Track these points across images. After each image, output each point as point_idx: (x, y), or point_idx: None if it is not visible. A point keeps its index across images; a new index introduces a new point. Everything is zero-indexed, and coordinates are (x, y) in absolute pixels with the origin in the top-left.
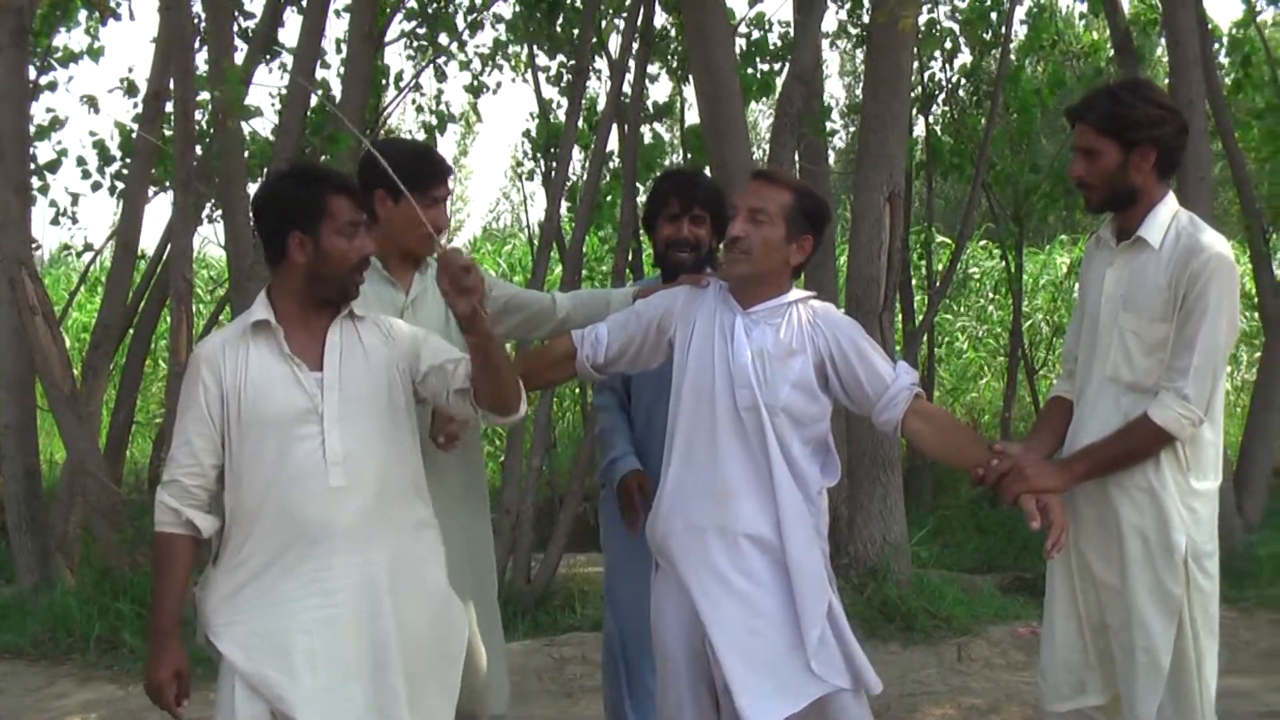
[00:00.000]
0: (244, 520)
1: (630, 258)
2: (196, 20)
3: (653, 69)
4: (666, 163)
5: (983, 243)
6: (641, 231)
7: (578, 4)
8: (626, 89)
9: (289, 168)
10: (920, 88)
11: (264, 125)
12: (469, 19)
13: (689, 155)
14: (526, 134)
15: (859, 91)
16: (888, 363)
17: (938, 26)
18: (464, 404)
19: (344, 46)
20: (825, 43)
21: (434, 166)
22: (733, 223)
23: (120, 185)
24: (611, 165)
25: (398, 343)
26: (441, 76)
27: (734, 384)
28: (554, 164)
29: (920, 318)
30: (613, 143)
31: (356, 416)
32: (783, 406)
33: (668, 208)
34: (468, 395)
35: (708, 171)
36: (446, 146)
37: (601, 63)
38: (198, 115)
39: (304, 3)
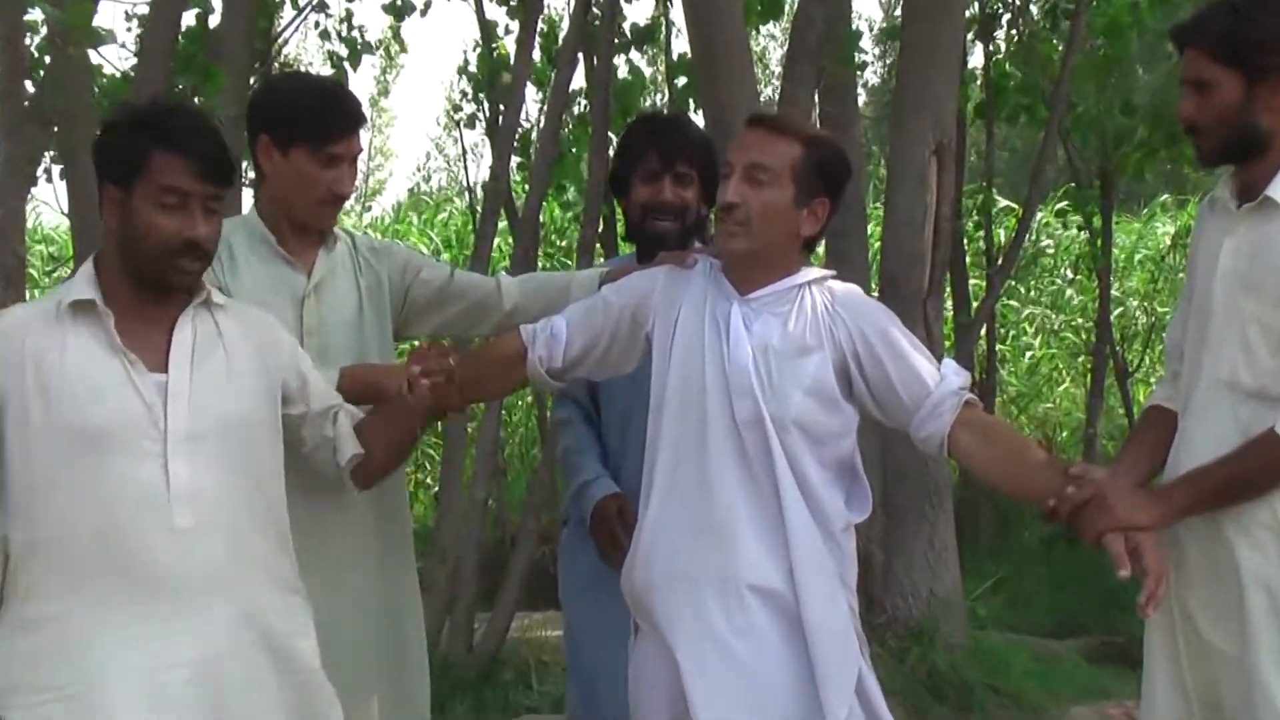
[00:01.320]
0: (40, 559)
1: (600, 229)
2: None
3: None
4: (647, 105)
5: (1059, 207)
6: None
7: None
8: (596, 8)
9: (140, 104)
10: (979, 5)
11: (118, 55)
12: None
13: (675, 97)
14: (465, 68)
15: (898, 11)
16: (931, 362)
17: None
18: (330, 468)
19: None
20: None
21: (340, 111)
22: (725, 184)
23: None
24: (577, 109)
25: (276, 349)
26: None
27: (731, 391)
28: (501, 107)
29: (977, 305)
30: (578, 79)
31: (211, 437)
32: (794, 419)
33: (644, 163)
34: (347, 468)
35: (699, 117)
36: (360, 84)
37: None
38: (28, 40)
39: None
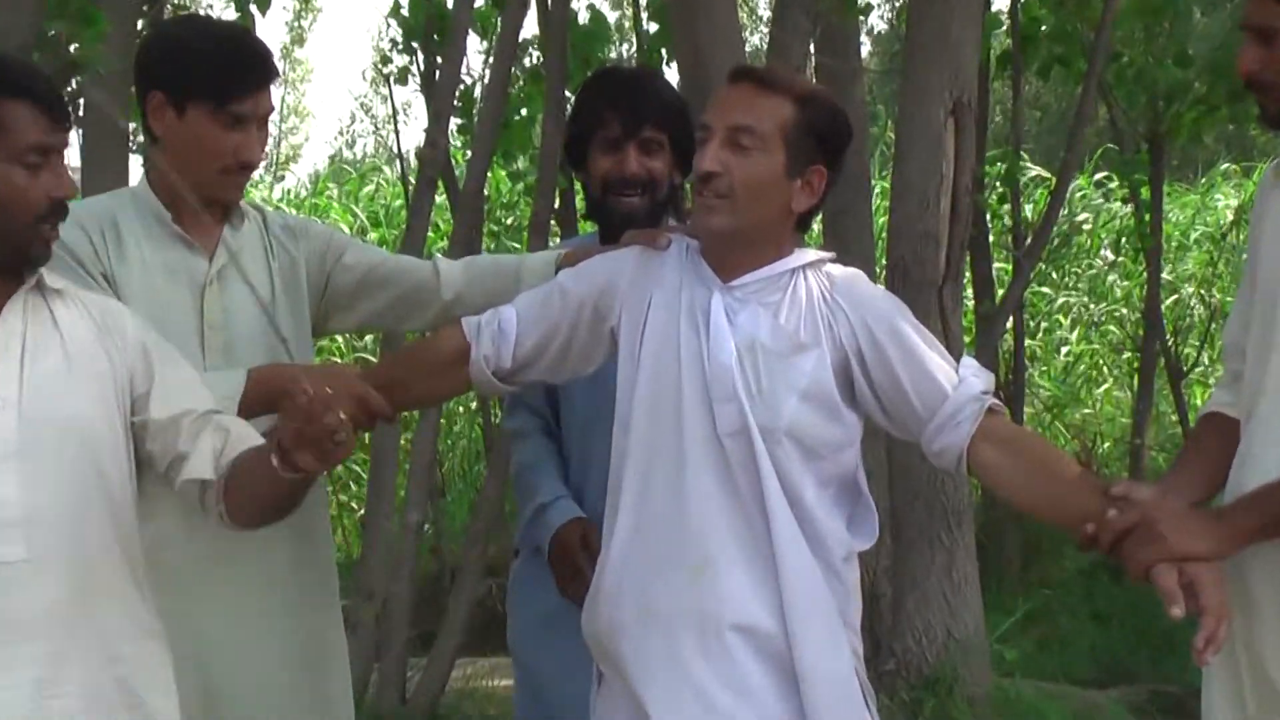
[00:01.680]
0: None
1: (557, 204)
2: None
3: None
4: (612, 57)
5: (1100, 176)
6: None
7: None
8: None
9: None
10: None
11: None
12: None
13: (646, 46)
14: (395, 12)
15: None
16: (948, 361)
17: None
18: (191, 493)
19: None
20: None
21: (246, 62)
22: (703, 150)
23: None
24: (528, 61)
25: (122, 341)
26: None
27: (711, 397)
28: (438, 60)
29: (1002, 292)
30: (530, 26)
31: (46, 453)
32: (787, 429)
33: (604, 128)
34: (210, 488)
35: (672, 72)
36: (270, 31)
37: None
38: None
39: None
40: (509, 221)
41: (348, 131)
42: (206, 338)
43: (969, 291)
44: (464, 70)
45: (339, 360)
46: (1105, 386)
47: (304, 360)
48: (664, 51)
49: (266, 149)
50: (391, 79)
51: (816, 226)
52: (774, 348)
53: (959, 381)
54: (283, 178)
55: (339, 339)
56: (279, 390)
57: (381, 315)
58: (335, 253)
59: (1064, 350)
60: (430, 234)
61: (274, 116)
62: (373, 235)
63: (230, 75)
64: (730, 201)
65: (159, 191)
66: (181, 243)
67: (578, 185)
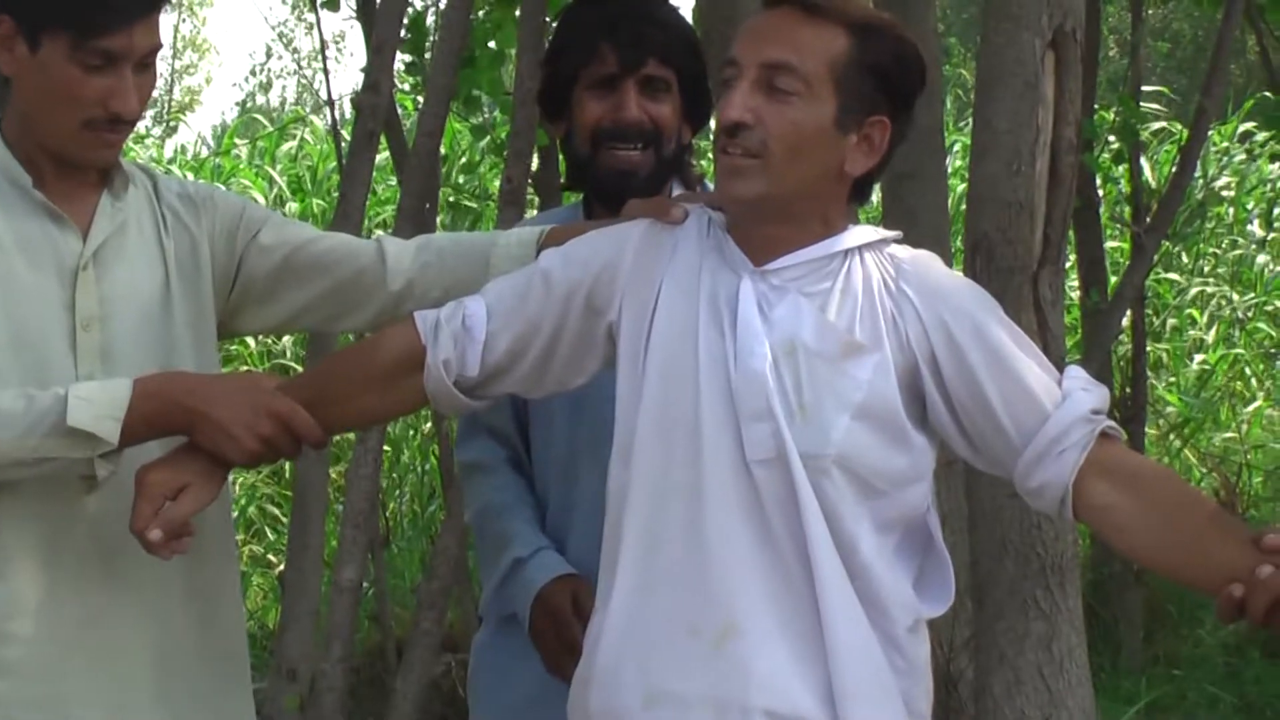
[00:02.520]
0: None
1: (536, 166)
2: None
3: None
4: None
5: (1245, 128)
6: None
7: None
8: None
9: None
10: None
11: None
12: None
13: None
14: None
15: None
16: (1048, 372)
17: None
18: None
19: None
20: None
21: None
22: (729, 95)
23: None
24: None
25: None
26: None
27: (739, 414)
28: None
29: (1117, 280)
30: None
31: None
32: (837, 457)
33: (596, 63)
34: None
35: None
36: None
37: None
38: None
39: None
40: (472, 188)
41: (262, 71)
42: (79, 337)
43: (1073, 279)
44: None
45: (251, 370)
46: (1255, 405)
47: (207, 368)
48: None
49: (152, 95)
50: (319, 1)
51: (875, 196)
52: (820, 350)
53: (1063, 398)
54: (175, 130)
55: (250, 342)
56: (174, 406)
57: (309, 311)
58: (249, 229)
59: (1199, 356)
60: (370, 204)
61: (163, 53)
62: (294, 206)
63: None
64: (763, 162)
65: (16, 149)
66: (46, 214)
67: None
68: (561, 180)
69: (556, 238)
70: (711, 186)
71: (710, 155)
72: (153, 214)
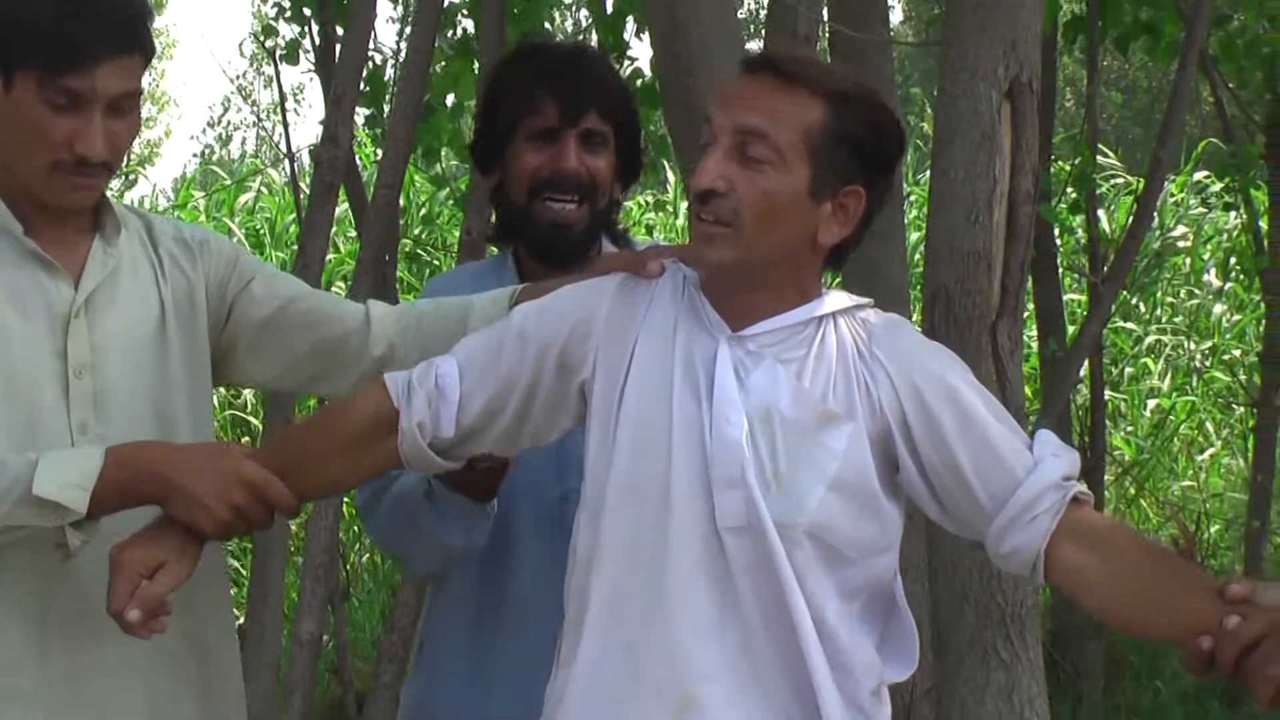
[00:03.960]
0: None
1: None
2: None
3: None
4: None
5: (1200, 178)
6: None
7: None
8: None
9: None
10: None
11: None
12: None
13: (601, 15)
14: None
15: None
16: (1017, 435)
17: None
18: None
19: None
20: None
21: (88, 21)
22: (703, 160)
23: None
24: (456, 31)
25: None
26: None
27: (712, 481)
28: (338, 31)
29: (1075, 330)
30: None
31: None
32: (810, 527)
33: (535, 114)
34: None
35: (643, 49)
36: None
37: None
38: None
39: None
40: (431, 240)
41: (221, 124)
42: (72, 385)
43: (1031, 329)
44: (372, 44)
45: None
46: (1210, 451)
47: (202, 415)
48: (631, 21)
49: (130, 144)
50: (278, 55)
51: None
52: (796, 419)
53: (1035, 464)
54: (134, 184)
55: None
56: (146, 475)
57: (293, 369)
58: (241, 277)
59: (1153, 404)
60: (332, 262)
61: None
62: None
63: (62, 36)
64: (735, 230)
65: (4, 196)
66: (37, 262)
67: None
68: (489, 234)
69: (530, 295)
70: (637, 243)
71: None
72: (148, 258)
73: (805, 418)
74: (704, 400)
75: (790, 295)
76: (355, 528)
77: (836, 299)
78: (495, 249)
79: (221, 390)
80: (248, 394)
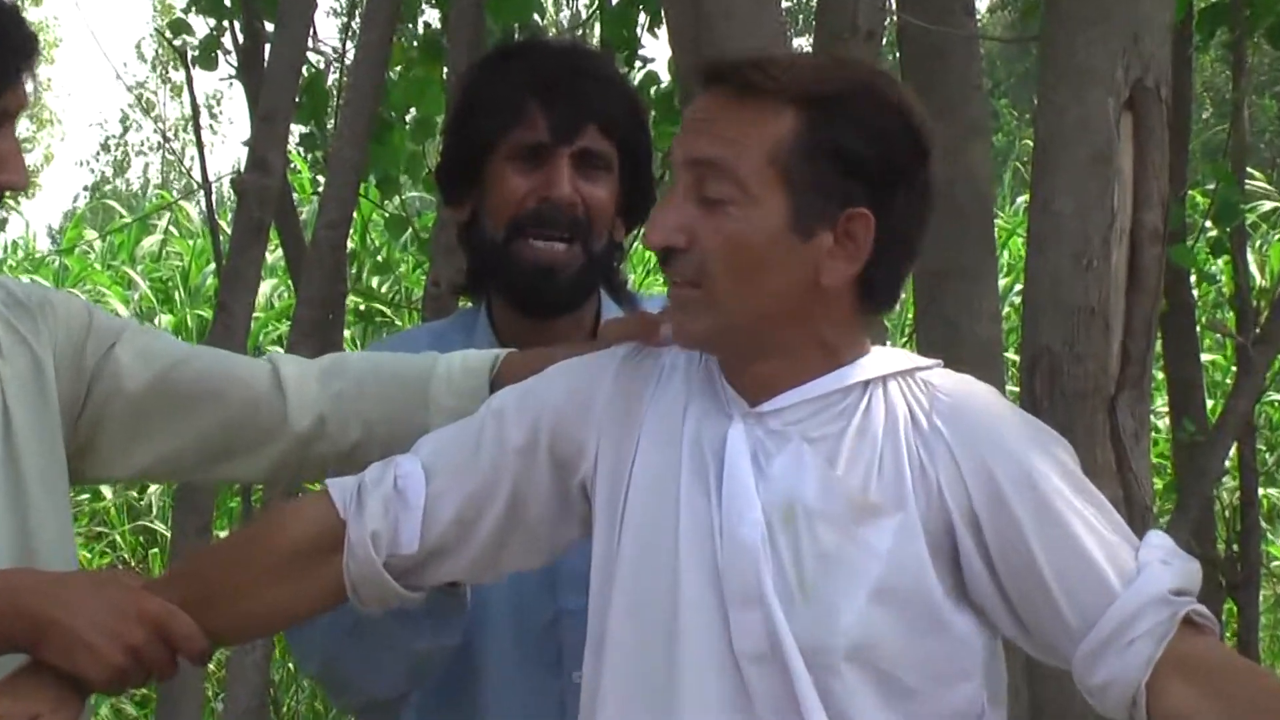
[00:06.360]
0: None
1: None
2: None
3: None
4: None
5: None
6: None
7: None
8: None
9: None
10: None
11: None
12: None
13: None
14: None
15: None
16: (1119, 533)
17: None
18: None
19: None
20: None
21: None
22: (657, 209)
23: None
24: (419, 24)
25: None
26: None
27: (725, 597)
28: (265, 23)
29: (1218, 406)
30: None
31: None
32: (850, 649)
33: (519, 128)
34: None
35: (659, 46)
36: None
37: None
38: None
39: None
40: (389, 293)
41: (116, 146)
42: None
43: (1161, 404)
44: (311, 43)
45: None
46: None
47: (65, 536)
48: (643, 14)
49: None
50: (190, 58)
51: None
52: (826, 513)
53: (1137, 571)
54: (4, 223)
55: (105, 492)
56: (16, 613)
57: (184, 454)
58: (100, 342)
59: None
60: (260, 314)
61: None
62: (164, 320)
63: None
64: (705, 291)
65: None
66: None
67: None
68: (458, 285)
69: (515, 366)
70: (648, 301)
71: None
72: None
73: (837, 511)
74: (713, 495)
75: (814, 358)
76: (290, 665)
77: (886, 358)
78: (466, 301)
79: (119, 489)
80: (152, 493)
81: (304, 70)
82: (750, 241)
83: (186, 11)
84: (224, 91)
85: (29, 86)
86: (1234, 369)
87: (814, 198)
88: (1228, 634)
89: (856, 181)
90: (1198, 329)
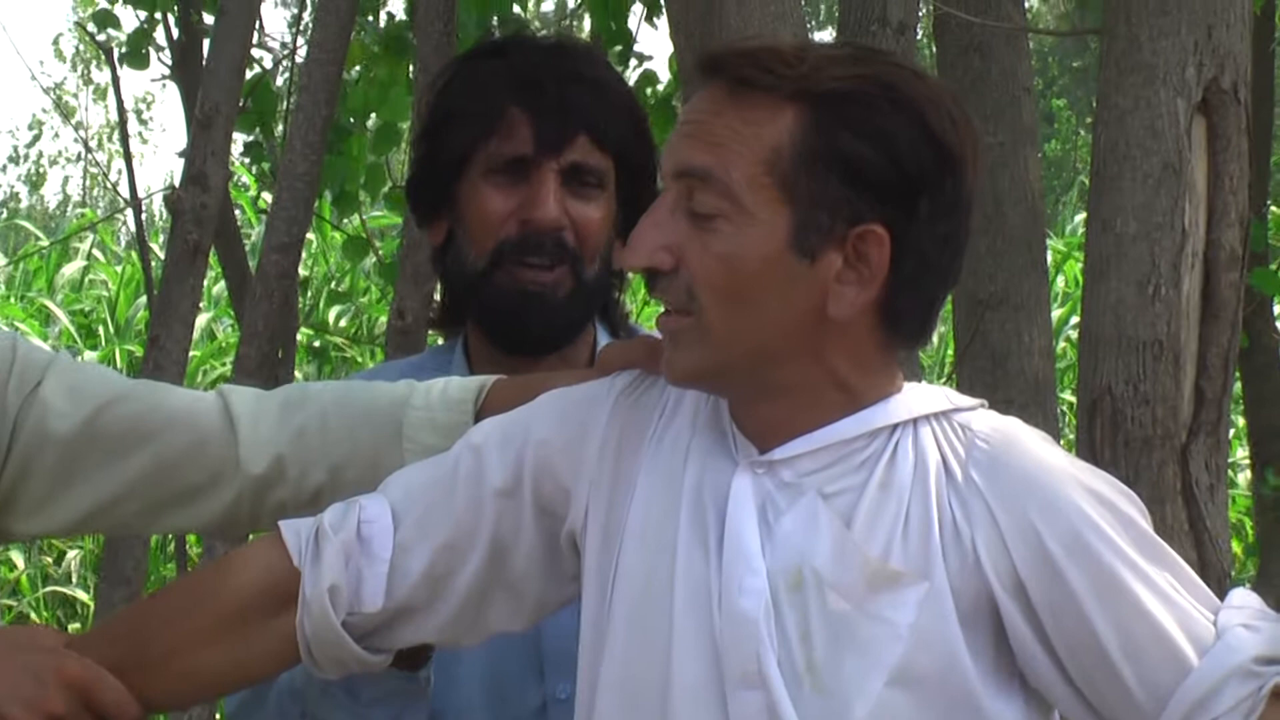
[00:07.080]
0: None
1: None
2: None
3: None
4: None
5: None
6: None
7: None
8: None
9: None
10: None
11: None
12: None
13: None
14: None
15: None
16: (1195, 596)
17: None
18: None
19: None
20: None
21: None
22: (639, 225)
23: None
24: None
25: None
26: None
27: (724, 678)
28: (204, 16)
29: None
30: None
31: None
32: None
33: (500, 137)
34: None
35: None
36: None
37: None
38: None
39: None
40: (347, 327)
41: (29, 156)
42: None
43: (1240, 454)
44: (256, 38)
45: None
46: None
47: None
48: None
49: None
50: (116, 55)
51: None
52: (840, 582)
53: (1216, 638)
54: None
55: (16, 557)
56: None
57: (122, 502)
58: (24, 380)
59: None
60: (198, 351)
61: None
62: (91, 358)
63: None
64: (696, 321)
65: None
66: None
67: None
68: (432, 317)
69: (504, 396)
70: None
71: None
72: None
73: (851, 580)
74: (713, 556)
75: (831, 399)
76: None
77: (919, 398)
78: (436, 338)
79: (33, 549)
80: (72, 557)
81: (249, 69)
82: (743, 263)
83: (113, 2)
84: (156, 94)
85: None
86: None
87: (818, 213)
88: None
89: (868, 194)
90: None
